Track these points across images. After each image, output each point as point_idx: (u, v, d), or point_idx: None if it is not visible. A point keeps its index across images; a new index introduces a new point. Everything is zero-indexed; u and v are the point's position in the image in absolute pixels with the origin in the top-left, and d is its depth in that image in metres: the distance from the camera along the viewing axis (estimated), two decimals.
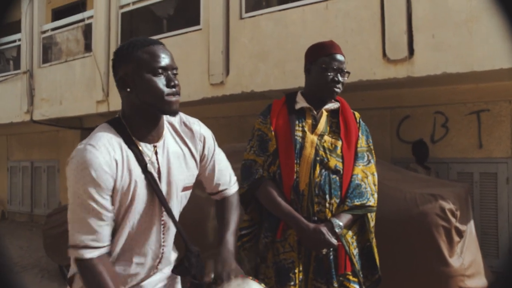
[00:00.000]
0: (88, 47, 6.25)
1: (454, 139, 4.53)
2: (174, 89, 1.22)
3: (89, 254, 1.18)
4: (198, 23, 4.96)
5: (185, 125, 1.39)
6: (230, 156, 2.96)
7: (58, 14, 8.36)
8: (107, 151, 1.18)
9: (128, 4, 5.80)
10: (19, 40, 7.51)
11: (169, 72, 1.23)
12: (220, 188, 1.52)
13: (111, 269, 1.22)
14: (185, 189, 1.38)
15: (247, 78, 4.53)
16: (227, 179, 1.53)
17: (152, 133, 1.28)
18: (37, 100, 7.00)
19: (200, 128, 1.41)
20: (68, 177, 1.18)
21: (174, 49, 5.63)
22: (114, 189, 1.20)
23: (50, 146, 8.50)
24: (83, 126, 7.67)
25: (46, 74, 6.87)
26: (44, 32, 7.10)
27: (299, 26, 4.23)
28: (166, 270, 1.46)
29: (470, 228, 2.88)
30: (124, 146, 1.23)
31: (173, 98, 1.22)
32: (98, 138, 1.20)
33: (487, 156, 4.39)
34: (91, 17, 6.22)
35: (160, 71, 1.21)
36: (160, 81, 1.21)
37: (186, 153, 1.37)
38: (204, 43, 4.84)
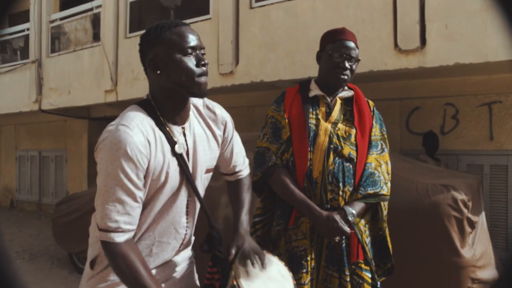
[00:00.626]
0: (96, 37, 6.26)
1: (464, 131, 4.50)
2: (204, 69, 1.24)
3: (120, 237, 1.17)
4: (207, 12, 4.93)
5: (208, 108, 1.41)
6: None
7: (65, 4, 8.36)
8: (140, 132, 1.18)
9: None
10: (28, 29, 7.53)
11: (198, 52, 1.24)
12: (236, 169, 1.57)
13: (139, 252, 1.22)
14: (207, 171, 1.40)
15: (257, 68, 4.51)
16: (242, 160, 1.58)
17: (180, 114, 1.30)
18: (46, 89, 7.04)
19: (222, 112, 1.44)
20: (101, 159, 1.16)
21: None
22: (147, 170, 1.19)
23: (58, 135, 8.56)
24: (90, 116, 7.71)
25: (55, 63, 6.89)
26: (52, 21, 7.11)
27: (310, 15, 4.19)
28: (187, 253, 1.48)
29: (481, 220, 2.86)
30: (155, 128, 1.23)
31: (203, 79, 1.24)
32: (130, 118, 1.20)
33: (498, 148, 4.35)
34: (100, 6, 6.22)
35: (189, 51, 1.22)
36: (191, 61, 1.22)
37: (209, 136, 1.39)
38: (213, 33, 4.82)
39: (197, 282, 1.53)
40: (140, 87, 5.36)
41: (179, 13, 5.46)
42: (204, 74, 1.24)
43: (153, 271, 1.34)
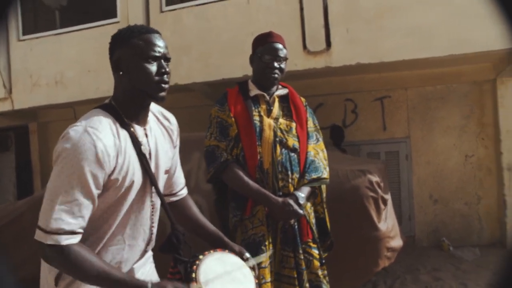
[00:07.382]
0: None
1: (363, 123, 5.09)
2: (164, 77, 1.27)
3: (73, 240, 1.15)
4: (114, 15, 4.78)
5: (163, 115, 1.46)
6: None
7: None
8: (110, 134, 1.20)
9: None
10: None
11: (162, 61, 1.28)
12: (180, 187, 1.59)
13: (92, 252, 1.21)
14: (166, 172, 1.44)
15: (171, 70, 4.50)
16: (183, 178, 1.62)
17: (142, 116, 1.33)
18: None
19: (174, 120, 1.50)
20: (64, 157, 1.14)
21: (90, 42, 5.33)
22: (113, 172, 1.20)
23: None
24: None
25: None
26: None
27: (221, 20, 4.34)
28: (149, 253, 1.49)
29: (389, 197, 3.31)
30: (120, 129, 1.25)
31: (162, 86, 1.27)
32: (98, 121, 1.20)
33: (390, 137, 5.01)
34: None
35: (152, 59, 1.25)
36: (152, 68, 1.25)
37: (166, 138, 1.44)
38: None
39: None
40: (42, 93, 4.96)
41: (68, 14, 5.15)
42: (163, 81, 1.27)
43: None
